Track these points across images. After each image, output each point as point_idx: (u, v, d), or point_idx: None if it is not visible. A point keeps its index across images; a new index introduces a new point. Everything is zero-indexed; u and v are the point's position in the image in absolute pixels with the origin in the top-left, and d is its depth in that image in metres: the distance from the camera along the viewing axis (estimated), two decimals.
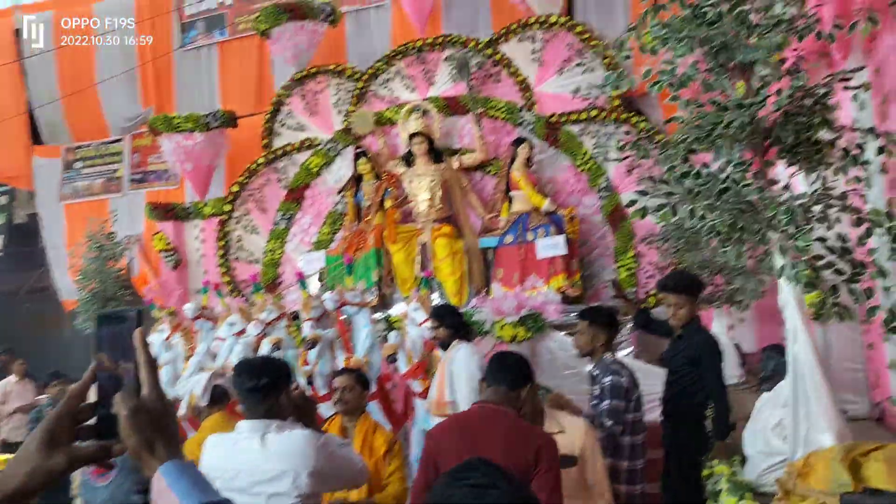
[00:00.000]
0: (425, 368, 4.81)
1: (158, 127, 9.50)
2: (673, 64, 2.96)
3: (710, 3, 2.71)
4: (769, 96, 2.63)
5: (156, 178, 11.56)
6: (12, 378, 7.93)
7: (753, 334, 7.47)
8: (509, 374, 2.49)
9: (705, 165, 2.85)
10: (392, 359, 4.97)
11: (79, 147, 12.12)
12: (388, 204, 8.45)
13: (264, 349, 5.49)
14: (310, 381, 5.20)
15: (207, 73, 11.51)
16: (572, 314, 7.05)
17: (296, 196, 9.36)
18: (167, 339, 6.07)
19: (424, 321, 5.20)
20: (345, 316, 5.39)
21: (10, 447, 7.79)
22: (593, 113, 8.32)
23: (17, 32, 12.45)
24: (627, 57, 3.22)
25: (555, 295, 6.78)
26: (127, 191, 11.66)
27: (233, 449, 2.41)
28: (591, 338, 3.61)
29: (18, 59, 12.42)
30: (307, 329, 5.36)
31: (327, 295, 5.33)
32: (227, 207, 9.57)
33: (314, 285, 8.56)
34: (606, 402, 3.41)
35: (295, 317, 6.04)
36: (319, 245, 9.15)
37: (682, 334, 4.25)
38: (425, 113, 8.58)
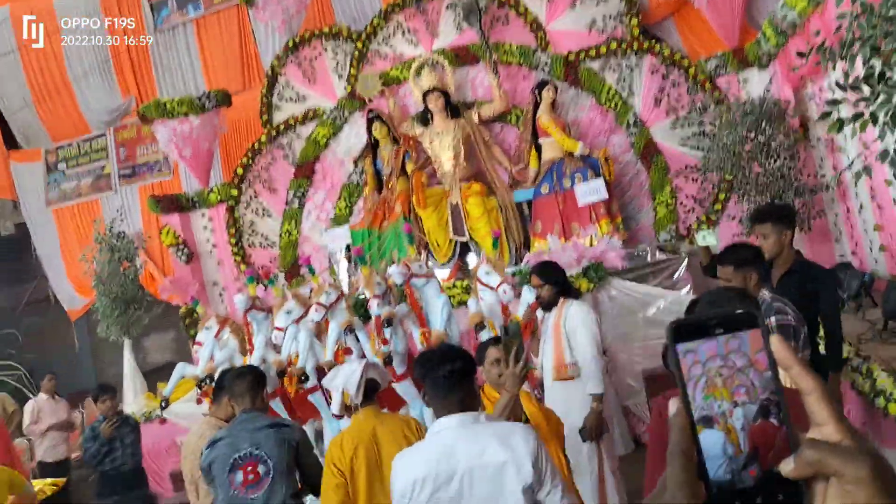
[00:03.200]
0: (532, 329, 4.48)
1: (150, 114, 8.90)
2: None
3: None
4: None
5: (147, 171, 10.96)
6: (42, 396, 7.49)
7: (807, 256, 7.30)
8: None
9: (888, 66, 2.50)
10: (480, 327, 4.63)
11: (59, 148, 11.45)
12: (409, 168, 8.04)
13: (333, 334, 5.12)
14: (386, 362, 4.85)
15: (186, 53, 10.84)
16: (639, 255, 6.81)
17: (305, 172, 8.90)
18: (217, 335, 5.67)
19: (500, 284, 4.86)
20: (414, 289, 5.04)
21: (46, 468, 7.39)
22: (613, 46, 7.91)
23: None
24: None
25: (616, 241, 6.46)
26: (118, 187, 11.06)
27: (440, 451, 2.06)
28: (743, 279, 3.26)
29: None
30: (375, 307, 4.98)
31: (393, 268, 4.93)
32: (234, 192, 9.08)
33: (342, 263, 8.19)
34: None
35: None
36: (338, 220, 8.73)
37: (792, 269, 3.90)
38: (436, 66, 8.12)
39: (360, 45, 8.71)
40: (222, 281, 9.38)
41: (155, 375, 9.58)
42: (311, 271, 5.41)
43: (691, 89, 7.74)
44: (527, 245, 7.59)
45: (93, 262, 8.31)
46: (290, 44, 8.91)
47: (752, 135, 6.43)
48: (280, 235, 9.00)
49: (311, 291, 5.73)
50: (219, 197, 9.25)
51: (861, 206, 6.16)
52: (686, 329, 0.63)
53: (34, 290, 12.35)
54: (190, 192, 9.66)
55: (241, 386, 3.03)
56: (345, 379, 2.88)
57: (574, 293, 4.29)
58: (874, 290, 5.66)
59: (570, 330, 4.02)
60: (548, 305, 4.18)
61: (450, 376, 2.13)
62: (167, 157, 10.75)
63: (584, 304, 4.18)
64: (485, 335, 4.71)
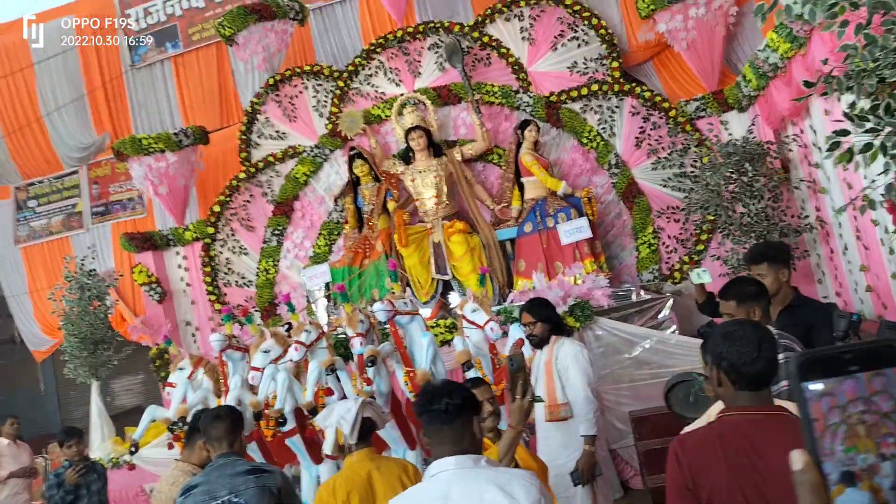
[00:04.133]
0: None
1: (126, 151, 8.74)
2: None
3: None
4: None
5: (120, 209, 10.73)
6: (4, 441, 7.12)
7: None
8: (768, 358, 1.98)
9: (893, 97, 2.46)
10: (468, 366, 4.47)
11: (30, 184, 11.20)
12: (391, 206, 7.94)
13: (313, 374, 4.93)
14: None
15: (164, 90, 10.73)
16: (623, 295, 6.74)
17: (284, 209, 8.75)
18: (190, 376, 5.43)
19: (487, 322, 4.73)
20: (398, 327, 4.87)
21: None
22: (594, 88, 7.95)
23: None
24: None
25: (602, 280, 6.37)
26: (90, 225, 10.80)
27: (435, 496, 1.90)
28: (746, 314, 3.17)
29: None
30: (358, 346, 4.81)
31: (377, 305, 4.78)
32: (210, 230, 8.89)
33: (322, 301, 8.01)
34: (784, 384, 2.98)
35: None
36: (317, 258, 8.57)
37: (791, 304, 3.92)
38: (419, 105, 8.09)
39: (341, 83, 8.67)
40: (196, 321, 9.13)
41: (123, 419, 9.23)
42: (291, 309, 5.24)
43: (672, 131, 7.77)
44: (510, 284, 7.49)
45: (62, 301, 8.03)
46: (271, 81, 8.85)
47: (735, 175, 6.44)
48: (257, 274, 8.80)
49: (288, 329, 5.56)
50: (194, 235, 9.06)
51: (846, 247, 6.16)
52: (816, 365, 0.51)
53: None
54: (164, 230, 9.46)
55: (218, 428, 2.84)
56: (339, 417, 2.70)
57: (567, 330, 4.17)
58: (862, 330, 5.61)
59: (563, 369, 3.89)
60: (539, 343, 4.05)
61: (446, 410, 1.99)
62: (141, 195, 10.55)
63: (576, 342, 4.05)
64: (471, 374, 4.56)
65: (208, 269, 8.90)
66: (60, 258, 10.74)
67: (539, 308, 4.13)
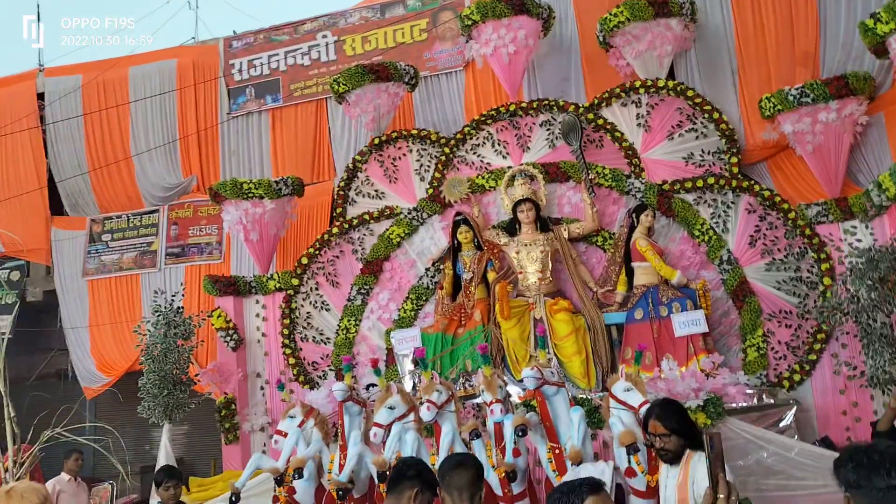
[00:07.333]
0: None
1: (224, 193, 8.64)
2: None
3: None
4: None
5: (196, 252, 10.60)
6: (65, 476, 6.70)
7: None
8: None
9: None
10: (633, 450, 4.06)
11: (107, 218, 11.14)
12: (491, 276, 7.69)
13: (446, 438, 4.55)
14: (509, 478, 4.26)
15: (258, 140, 10.78)
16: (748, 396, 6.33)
17: (373, 269, 8.52)
18: (300, 425, 5.06)
19: (643, 404, 4.35)
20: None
21: None
22: (710, 181, 7.77)
23: (41, 96, 11.69)
24: None
25: (742, 376, 5.98)
26: (162, 265, 10.65)
27: None
28: None
29: (41, 124, 11.57)
30: (498, 413, 4.46)
31: (527, 371, 4.44)
32: (295, 282, 8.67)
33: (407, 367, 7.66)
34: None
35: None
36: (401, 322, 8.26)
37: None
38: (530, 178, 7.95)
39: (447, 150, 8.60)
40: (266, 374, 8.77)
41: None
42: (424, 366, 4.92)
43: (789, 233, 7.52)
44: (614, 371, 7.10)
45: (146, 335, 7.75)
46: (376, 141, 8.81)
47: (878, 284, 6.11)
48: (336, 332, 8.50)
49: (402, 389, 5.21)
50: (278, 284, 8.82)
51: None
52: None
53: (48, 363, 11.65)
54: (247, 277, 9.24)
55: (462, 476, 2.51)
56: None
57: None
58: None
59: (701, 494, 3.29)
60: (672, 459, 3.43)
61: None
62: (220, 241, 10.45)
63: None
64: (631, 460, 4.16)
65: (287, 321, 8.63)
66: (127, 295, 10.58)
67: (673, 416, 3.48)
